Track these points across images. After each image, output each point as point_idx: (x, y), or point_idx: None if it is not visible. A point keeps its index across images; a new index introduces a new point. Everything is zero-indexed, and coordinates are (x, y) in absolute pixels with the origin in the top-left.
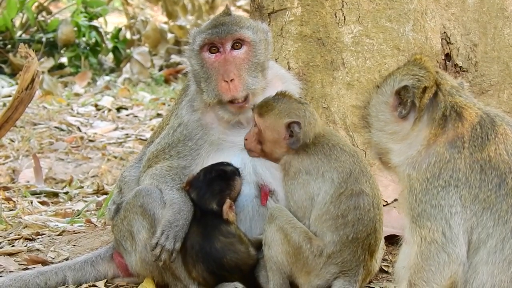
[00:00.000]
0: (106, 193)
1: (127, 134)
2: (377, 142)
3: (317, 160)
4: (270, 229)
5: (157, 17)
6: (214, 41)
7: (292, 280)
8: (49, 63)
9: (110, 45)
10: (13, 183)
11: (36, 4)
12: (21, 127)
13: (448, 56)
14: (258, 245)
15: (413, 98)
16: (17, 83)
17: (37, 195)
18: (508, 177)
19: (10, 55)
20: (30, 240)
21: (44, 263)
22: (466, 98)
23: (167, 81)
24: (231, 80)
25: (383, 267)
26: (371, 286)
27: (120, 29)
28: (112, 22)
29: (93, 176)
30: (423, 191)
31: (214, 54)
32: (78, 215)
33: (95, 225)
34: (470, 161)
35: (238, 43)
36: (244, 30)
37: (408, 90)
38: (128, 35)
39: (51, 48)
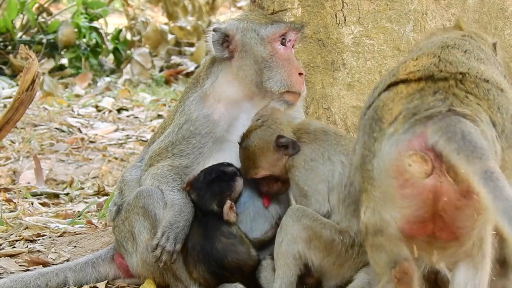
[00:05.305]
0: (107, 194)
1: (127, 135)
2: None
3: (317, 146)
4: (295, 227)
5: (158, 18)
6: (288, 34)
7: (317, 276)
8: (50, 64)
9: (110, 46)
10: (14, 184)
11: (36, 5)
12: (21, 128)
13: None
14: (259, 246)
15: None
16: (17, 85)
17: (38, 196)
18: None
19: (11, 56)
20: (30, 241)
21: (45, 264)
22: None
23: (167, 82)
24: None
25: None
26: None
27: (120, 30)
28: (113, 23)
29: (93, 177)
30: None
31: (283, 47)
32: (79, 216)
33: (96, 226)
34: None
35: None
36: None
37: None
38: (129, 36)
39: (52, 49)
